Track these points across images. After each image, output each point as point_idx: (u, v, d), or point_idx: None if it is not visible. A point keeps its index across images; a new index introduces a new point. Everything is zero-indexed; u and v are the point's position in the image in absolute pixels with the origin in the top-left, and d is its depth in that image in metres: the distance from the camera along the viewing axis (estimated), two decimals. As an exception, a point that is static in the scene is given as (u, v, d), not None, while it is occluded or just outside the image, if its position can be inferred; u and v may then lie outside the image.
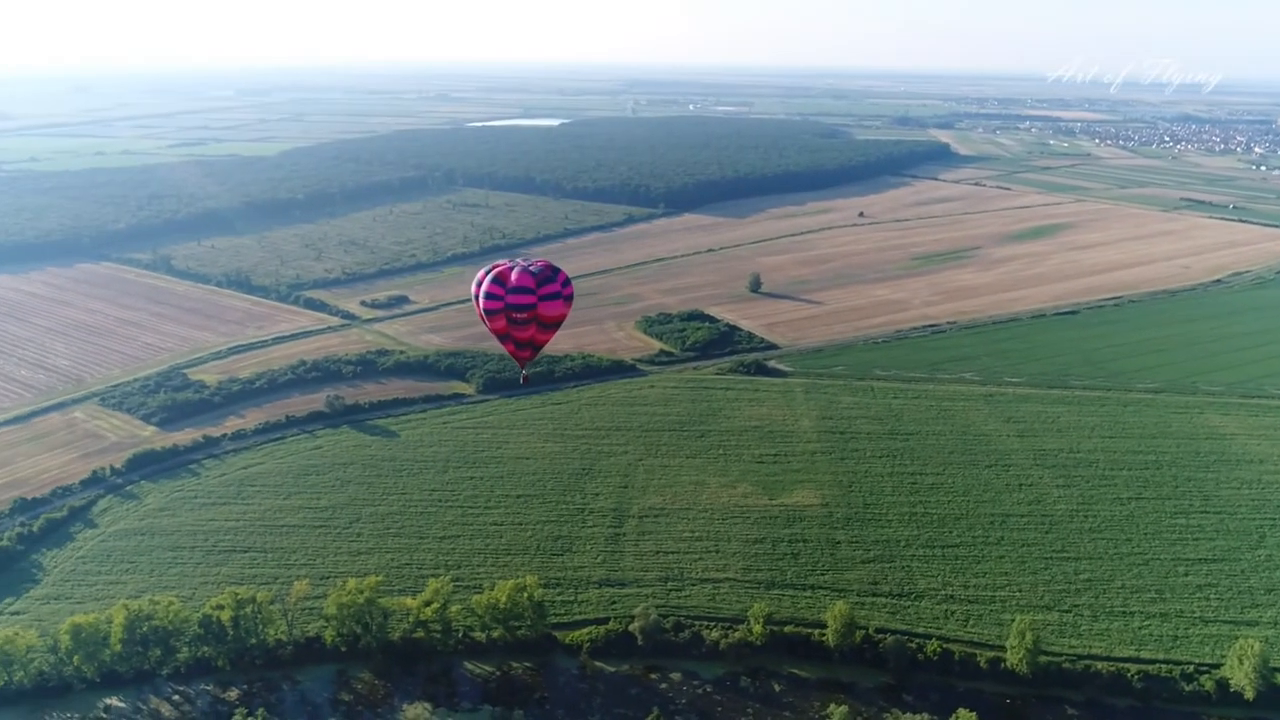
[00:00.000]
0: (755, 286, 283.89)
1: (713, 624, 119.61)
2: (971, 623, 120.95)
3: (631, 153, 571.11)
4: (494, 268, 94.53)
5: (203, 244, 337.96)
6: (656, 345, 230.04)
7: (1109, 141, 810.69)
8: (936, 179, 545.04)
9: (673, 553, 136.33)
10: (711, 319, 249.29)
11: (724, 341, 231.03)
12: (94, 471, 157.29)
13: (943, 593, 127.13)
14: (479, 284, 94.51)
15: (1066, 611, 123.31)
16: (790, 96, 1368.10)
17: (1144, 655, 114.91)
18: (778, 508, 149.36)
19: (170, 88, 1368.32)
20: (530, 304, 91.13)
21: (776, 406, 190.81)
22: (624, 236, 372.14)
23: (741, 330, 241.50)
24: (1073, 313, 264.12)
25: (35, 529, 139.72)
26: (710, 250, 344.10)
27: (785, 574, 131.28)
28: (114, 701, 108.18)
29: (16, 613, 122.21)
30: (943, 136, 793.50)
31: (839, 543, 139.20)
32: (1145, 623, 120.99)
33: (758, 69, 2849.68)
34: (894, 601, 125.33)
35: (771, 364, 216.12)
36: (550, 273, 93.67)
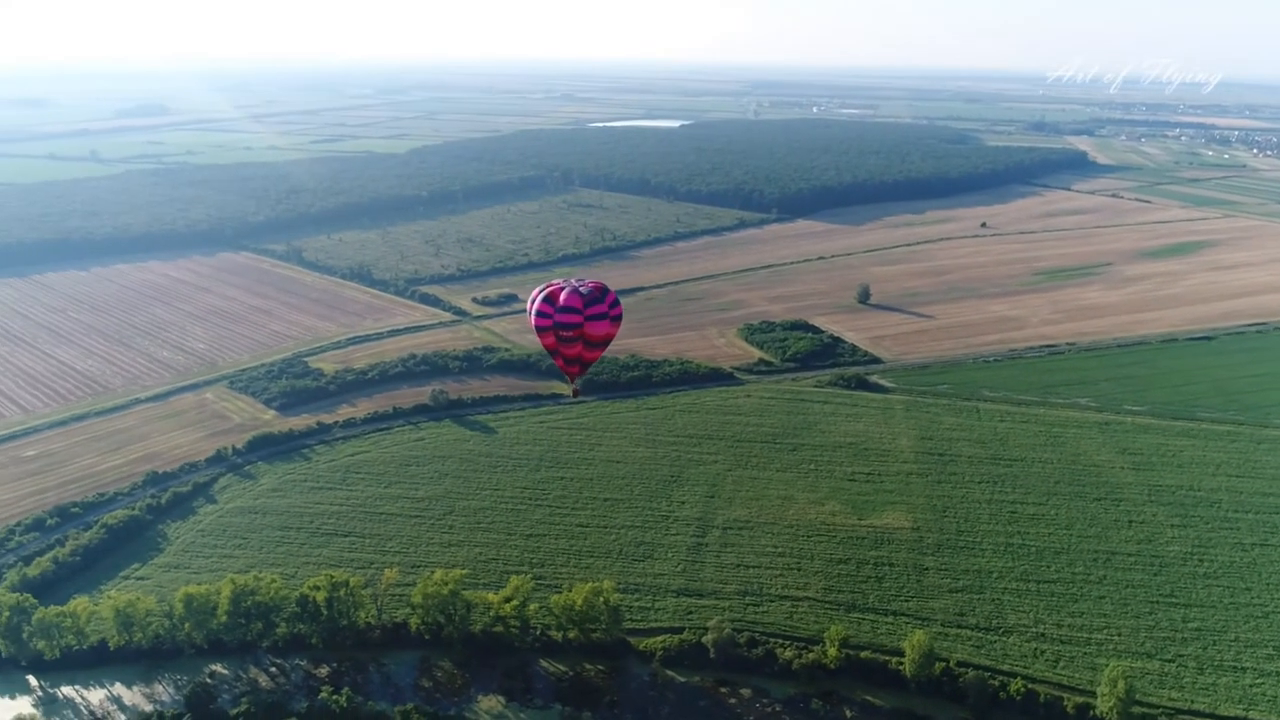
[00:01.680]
0: (864, 297, 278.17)
1: (788, 643, 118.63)
2: (1062, 664, 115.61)
3: (748, 156, 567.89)
4: (547, 287, 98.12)
5: (331, 237, 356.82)
6: (756, 354, 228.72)
7: (1270, 152, 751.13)
8: (1069, 189, 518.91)
9: (753, 567, 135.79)
10: (815, 329, 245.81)
11: (826, 353, 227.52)
12: (218, 450, 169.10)
13: (1033, 630, 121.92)
14: (532, 301, 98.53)
15: (1169, 661, 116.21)
16: (918, 99, 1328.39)
17: (1253, 715, 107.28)
18: (865, 528, 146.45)
19: (316, 84, 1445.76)
20: (577, 323, 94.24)
21: (874, 423, 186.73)
22: (734, 241, 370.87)
23: (845, 342, 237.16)
24: (1208, 338, 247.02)
25: (163, 501, 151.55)
26: (821, 258, 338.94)
27: (867, 597, 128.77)
28: (218, 668, 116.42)
29: (142, 578, 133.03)
30: (1080, 144, 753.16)
31: (927, 569, 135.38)
32: (1258, 680, 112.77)
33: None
34: (980, 635, 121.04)
35: (873, 379, 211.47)
36: (599, 294, 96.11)
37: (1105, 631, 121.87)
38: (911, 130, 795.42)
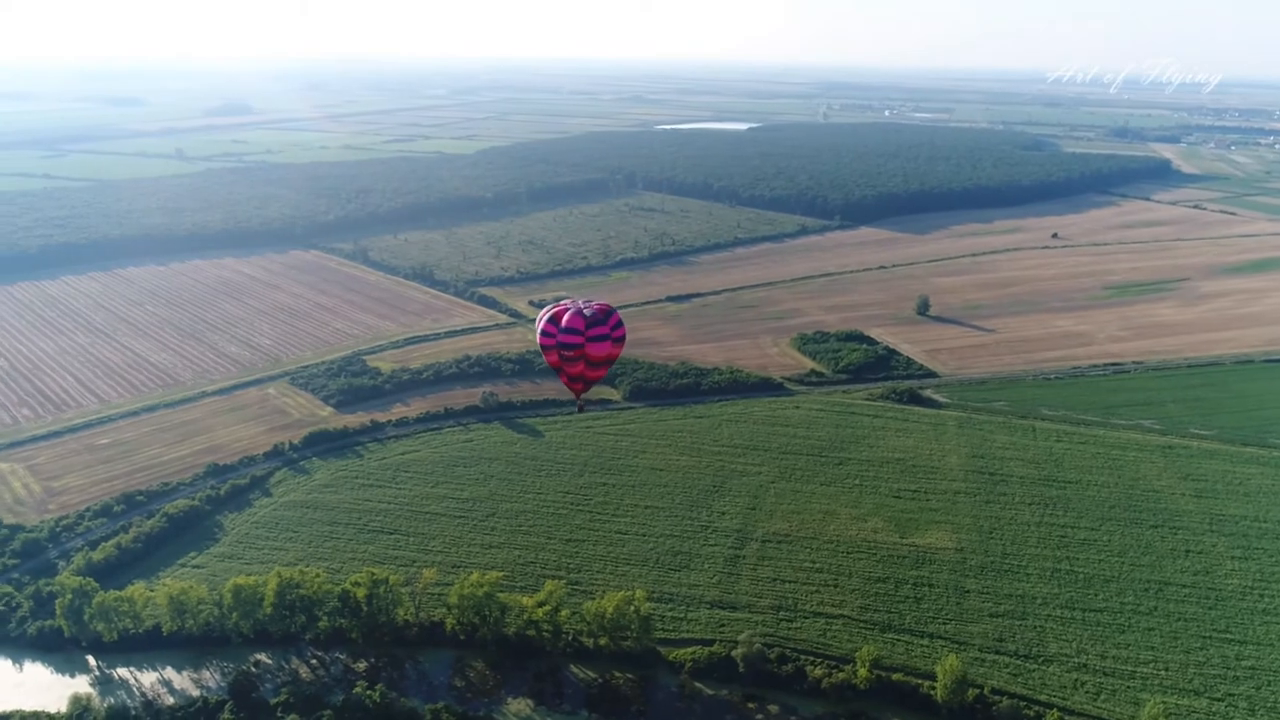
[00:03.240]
0: (923, 309, 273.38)
1: (819, 660, 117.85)
2: (1103, 697, 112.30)
3: (814, 161, 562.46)
4: (554, 307, 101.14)
5: (398, 237, 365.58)
6: (809, 364, 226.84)
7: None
8: (1149, 199, 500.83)
9: (790, 581, 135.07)
10: (870, 340, 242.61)
11: (879, 365, 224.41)
12: (275, 445, 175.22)
13: (1075, 660, 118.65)
14: (539, 320, 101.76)
15: (1218, 699, 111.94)
16: (996, 103, 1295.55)
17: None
18: (907, 547, 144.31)
19: (393, 84, 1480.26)
20: (578, 344, 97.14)
21: (924, 439, 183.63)
22: (794, 248, 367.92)
23: (900, 355, 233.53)
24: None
25: (222, 493, 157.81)
26: (881, 267, 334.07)
27: (904, 618, 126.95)
28: (263, 657, 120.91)
29: (198, 566, 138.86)
30: (1165, 151, 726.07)
31: (968, 591, 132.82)
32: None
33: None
34: (1018, 662, 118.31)
35: (927, 393, 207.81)
36: (602, 316, 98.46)
37: (1152, 665, 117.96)
38: (986, 136, 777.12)
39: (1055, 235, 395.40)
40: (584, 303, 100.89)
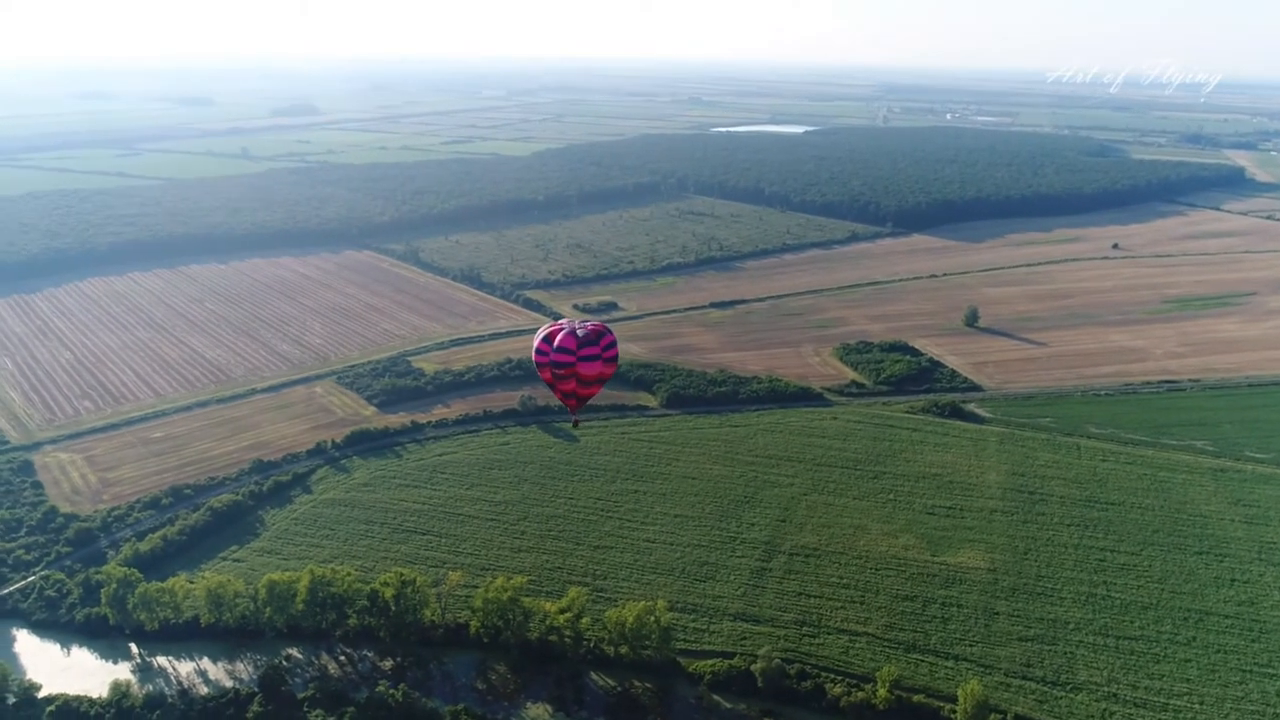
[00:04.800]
0: (971, 320, 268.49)
1: (839, 678, 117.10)
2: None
3: (869, 166, 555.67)
4: (550, 326, 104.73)
5: (449, 239, 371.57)
6: (850, 375, 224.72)
7: None
8: (1218, 209, 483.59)
9: (815, 596, 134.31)
10: (914, 351, 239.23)
11: (922, 378, 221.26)
12: (318, 443, 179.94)
13: (1105, 689, 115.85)
14: (535, 338, 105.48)
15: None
16: (1062, 107, 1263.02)
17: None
18: (938, 565, 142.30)
19: (453, 85, 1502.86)
20: (570, 363, 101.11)
21: (963, 455, 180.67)
22: (843, 256, 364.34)
23: (945, 367, 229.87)
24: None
25: (265, 489, 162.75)
26: (932, 276, 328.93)
27: (929, 638, 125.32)
28: (294, 652, 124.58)
29: (237, 560, 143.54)
30: (1239, 158, 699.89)
31: (998, 613, 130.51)
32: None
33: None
34: (1045, 689, 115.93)
35: (969, 407, 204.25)
36: (594, 337, 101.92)
37: (1186, 698, 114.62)
38: (1049, 141, 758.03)
39: (1116, 246, 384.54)
40: (579, 323, 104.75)
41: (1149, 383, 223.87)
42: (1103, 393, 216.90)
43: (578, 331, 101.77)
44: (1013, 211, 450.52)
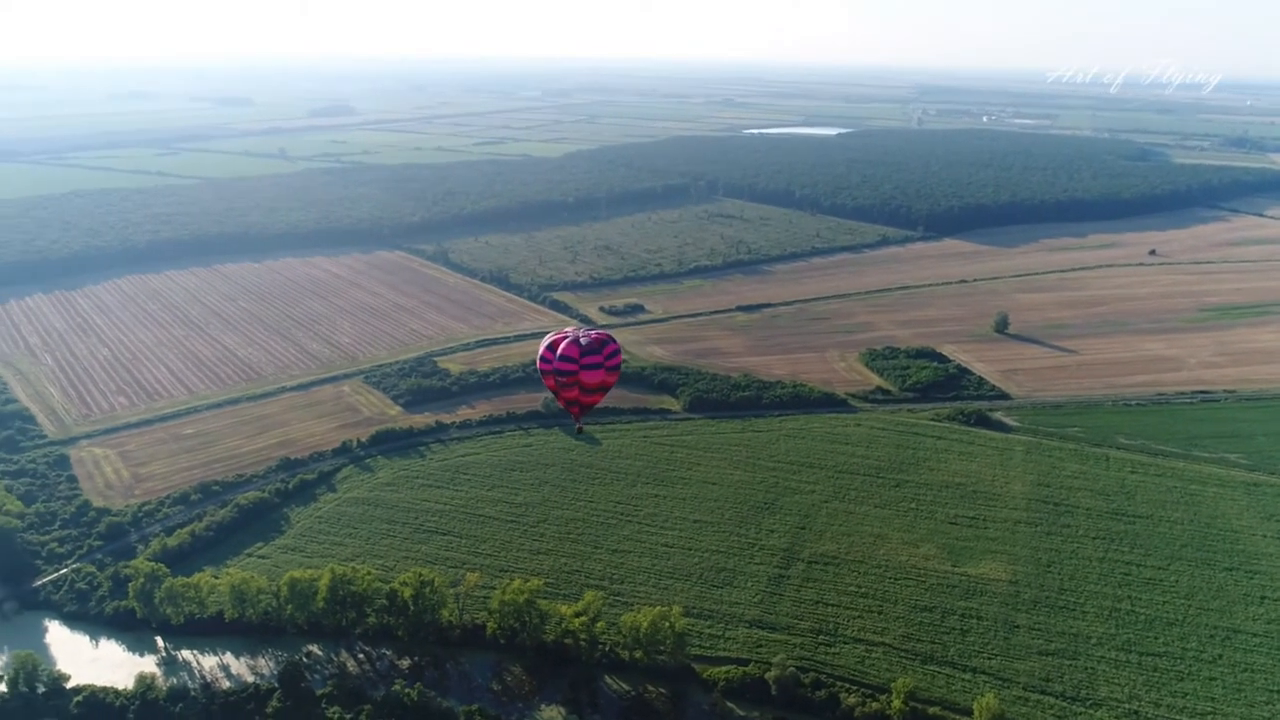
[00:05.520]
0: (1001, 326, 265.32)
1: (854, 688, 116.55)
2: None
3: (901, 169, 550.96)
4: (556, 335, 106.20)
5: (479, 240, 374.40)
6: (875, 380, 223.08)
7: None
8: (1262, 215, 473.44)
9: (833, 605, 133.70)
10: (942, 358, 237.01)
11: (949, 385, 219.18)
12: (344, 442, 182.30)
13: (1127, 706, 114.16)
14: (541, 345, 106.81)
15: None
16: (1103, 109, 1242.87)
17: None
18: (959, 576, 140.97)
19: (488, 85, 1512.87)
20: (573, 370, 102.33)
21: (988, 464, 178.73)
22: (872, 260, 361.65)
23: (972, 374, 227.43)
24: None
25: (291, 486, 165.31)
26: (962, 281, 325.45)
27: (947, 650, 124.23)
28: (314, 649, 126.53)
29: (262, 557, 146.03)
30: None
31: (1018, 626, 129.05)
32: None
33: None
34: (1064, 704, 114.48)
35: (996, 416, 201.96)
36: (597, 346, 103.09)
37: (1211, 718, 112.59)
38: (1088, 144, 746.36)
39: (1153, 252, 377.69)
40: (583, 332, 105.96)
41: (1182, 393, 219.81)
42: (1134, 402, 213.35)
43: (581, 340, 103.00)
44: (1047, 216, 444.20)
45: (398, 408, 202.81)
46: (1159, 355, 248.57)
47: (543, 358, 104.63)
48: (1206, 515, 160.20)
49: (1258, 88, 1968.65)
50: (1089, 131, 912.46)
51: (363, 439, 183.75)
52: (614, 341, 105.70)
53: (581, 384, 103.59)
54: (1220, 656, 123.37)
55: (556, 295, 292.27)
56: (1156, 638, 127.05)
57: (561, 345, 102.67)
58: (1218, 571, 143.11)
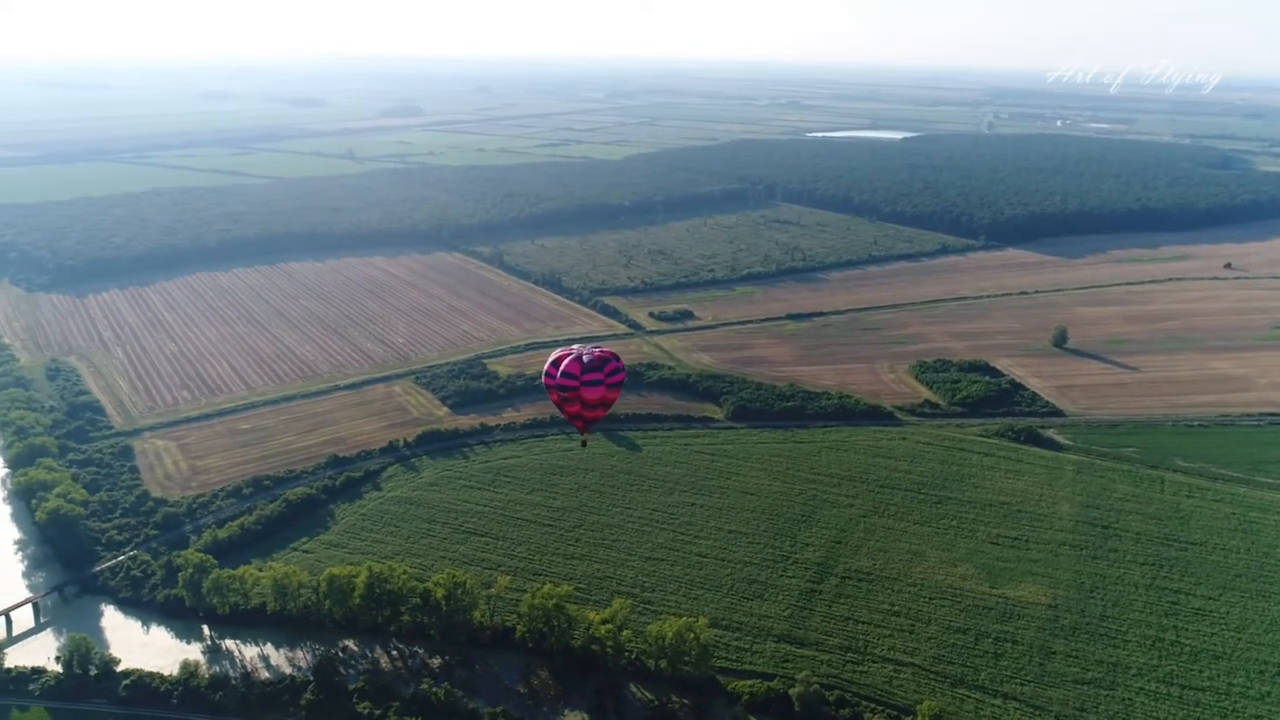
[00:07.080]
0: (1059, 341, 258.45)
1: (879, 708, 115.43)
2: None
3: (966, 175, 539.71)
4: (561, 351, 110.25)
5: (535, 242, 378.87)
6: (924, 394, 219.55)
7: None
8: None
9: (864, 622, 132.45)
10: (995, 372, 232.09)
11: (1001, 400, 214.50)
12: (391, 441, 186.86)
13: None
14: (548, 362, 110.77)
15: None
16: (1184, 113, 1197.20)
17: None
18: (996, 598, 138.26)
19: (554, 88, 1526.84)
20: (574, 386, 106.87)
21: (1036, 483, 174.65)
22: (930, 269, 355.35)
23: (1026, 390, 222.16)
24: None
25: (338, 484, 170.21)
26: (1022, 293, 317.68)
27: (979, 674, 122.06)
28: (350, 644, 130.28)
29: (306, 551, 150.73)
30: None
31: (1054, 653, 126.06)
32: None
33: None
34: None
35: (1047, 433, 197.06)
36: (599, 364, 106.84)
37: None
38: (1166, 150, 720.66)
39: (1228, 265, 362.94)
40: (587, 349, 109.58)
41: (1248, 415, 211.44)
42: (1195, 423, 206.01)
43: (584, 358, 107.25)
44: (1118, 226, 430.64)
45: (445, 409, 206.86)
46: (1227, 374, 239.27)
47: (547, 373, 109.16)
48: (1264, 544, 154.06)
49: (1258, 87, 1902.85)
50: (1169, 137, 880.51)
51: (409, 439, 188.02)
52: (617, 359, 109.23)
53: (583, 399, 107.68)
54: (1269, 694, 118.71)
55: (608, 300, 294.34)
56: (1201, 671, 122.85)
57: (564, 362, 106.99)
58: (1272, 604, 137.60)
